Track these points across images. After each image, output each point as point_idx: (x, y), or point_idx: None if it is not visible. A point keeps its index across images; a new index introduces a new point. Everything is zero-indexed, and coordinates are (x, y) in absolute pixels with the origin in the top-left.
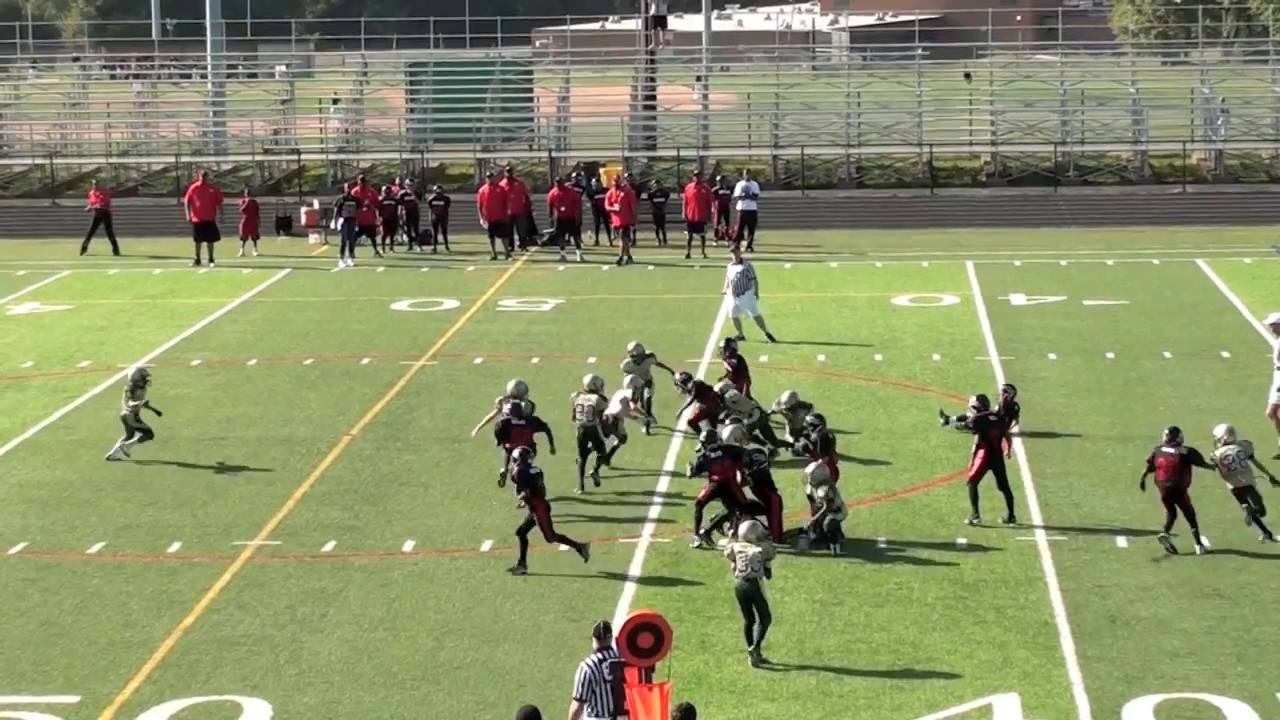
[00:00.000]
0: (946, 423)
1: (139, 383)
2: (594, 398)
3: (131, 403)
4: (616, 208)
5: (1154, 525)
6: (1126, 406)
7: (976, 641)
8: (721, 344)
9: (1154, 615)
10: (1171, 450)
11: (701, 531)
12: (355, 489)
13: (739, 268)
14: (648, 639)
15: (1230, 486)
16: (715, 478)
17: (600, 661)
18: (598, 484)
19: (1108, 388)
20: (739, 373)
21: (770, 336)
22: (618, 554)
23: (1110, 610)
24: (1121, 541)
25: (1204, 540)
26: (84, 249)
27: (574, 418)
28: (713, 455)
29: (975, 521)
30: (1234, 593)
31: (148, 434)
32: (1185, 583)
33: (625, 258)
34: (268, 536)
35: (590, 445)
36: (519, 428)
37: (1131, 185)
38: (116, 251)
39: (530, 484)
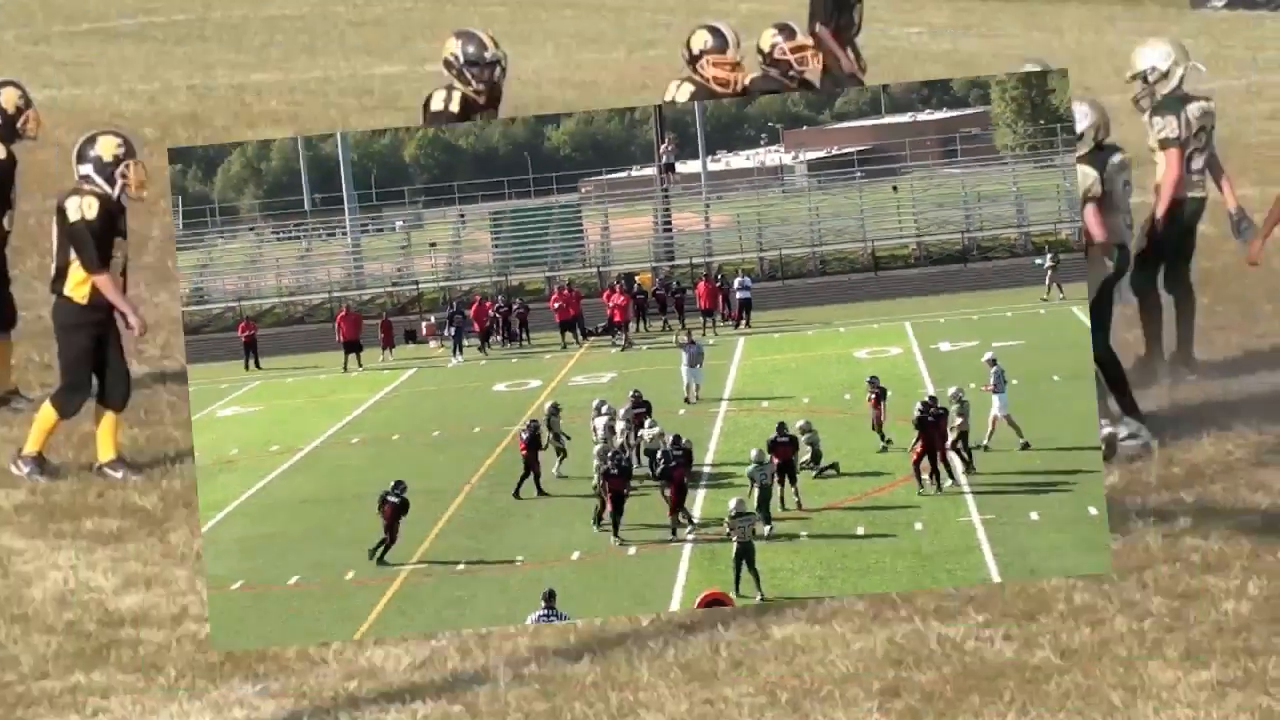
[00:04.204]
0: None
1: (553, 413)
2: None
3: (551, 433)
4: (613, 304)
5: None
6: (1028, 419)
7: None
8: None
9: None
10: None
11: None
12: (477, 522)
13: (694, 346)
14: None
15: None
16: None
17: None
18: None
19: (1016, 405)
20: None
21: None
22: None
23: None
24: None
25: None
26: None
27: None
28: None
29: (922, 491)
30: None
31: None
32: None
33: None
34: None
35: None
36: None
37: (1018, 257)
38: (258, 366)
39: None
